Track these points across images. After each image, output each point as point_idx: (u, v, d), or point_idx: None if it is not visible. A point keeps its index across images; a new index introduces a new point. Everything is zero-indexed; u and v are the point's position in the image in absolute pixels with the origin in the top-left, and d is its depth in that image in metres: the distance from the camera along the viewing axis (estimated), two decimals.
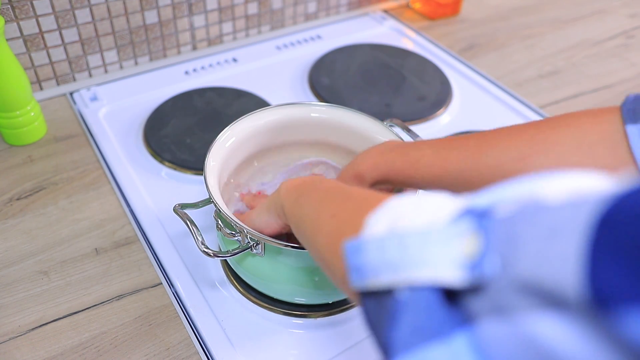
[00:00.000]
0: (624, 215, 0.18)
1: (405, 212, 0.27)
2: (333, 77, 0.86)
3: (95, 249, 0.60)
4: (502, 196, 0.24)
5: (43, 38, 0.77)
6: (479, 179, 0.44)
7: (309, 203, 0.39)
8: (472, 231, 0.23)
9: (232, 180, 0.59)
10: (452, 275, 0.23)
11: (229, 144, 0.55)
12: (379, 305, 0.26)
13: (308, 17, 1.00)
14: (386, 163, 0.49)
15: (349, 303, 0.55)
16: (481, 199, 0.25)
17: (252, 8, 0.92)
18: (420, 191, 0.50)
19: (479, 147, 0.45)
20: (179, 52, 0.90)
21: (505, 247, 0.21)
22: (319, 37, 0.97)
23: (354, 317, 0.55)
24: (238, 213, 0.55)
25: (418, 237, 0.24)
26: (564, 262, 0.19)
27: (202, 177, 0.50)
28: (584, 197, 0.20)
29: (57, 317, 0.54)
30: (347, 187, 0.39)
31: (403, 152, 0.49)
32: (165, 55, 0.89)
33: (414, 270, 0.24)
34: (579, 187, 0.21)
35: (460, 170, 0.45)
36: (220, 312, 0.54)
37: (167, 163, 0.69)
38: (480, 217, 0.23)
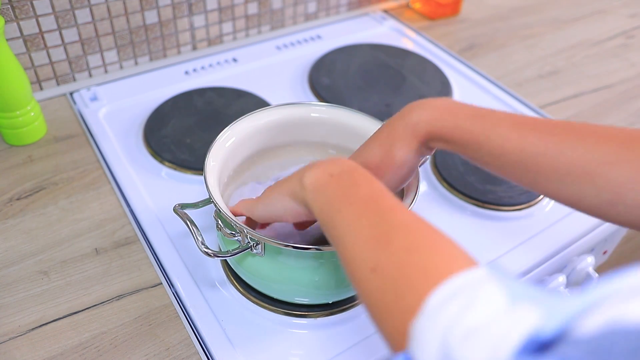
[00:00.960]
0: None
1: (456, 332, 0.25)
2: (333, 77, 0.86)
3: (95, 249, 0.60)
4: (576, 312, 0.22)
5: (43, 38, 0.77)
6: (552, 170, 0.40)
7: (342, 224, 0.36)
8: None
9: (232, 180, 0.59)
10: None
11: (229, 144, 0.55)
12: None
13: (308, 17, 1.00)
14: (455, 119, 0.43)
15: (349, 303, 0.55)
16: (549, 314, 0.23)
17: (252, 8, 0.92)
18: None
19: (565, 137, 0.40)
20: (179, 52, 0.90)
21: None
22: (319, 37, 0.97)
23: (355, 317, 0.55)
24: (242, 203, 0.52)
25: None
26: None
27: (202, 177, 0.50)
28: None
29: (57, 317, 0.54)
30: (381, 196, 0.36)
31: (478, 113, 0.42)
32: (165, 55, 0.89)
33: None
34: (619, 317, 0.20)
35: (536, 154, 0.40)
36: (220, 312, 0.54)
37: (167, 163, 0.69)
38: (553, 350, 0.22)
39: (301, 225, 0.54)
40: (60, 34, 0.78)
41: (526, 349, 0.22)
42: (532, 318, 0.23)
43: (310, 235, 0.55)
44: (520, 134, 0.41)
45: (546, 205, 0.68)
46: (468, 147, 0.43)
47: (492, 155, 0.42)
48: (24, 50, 0.76)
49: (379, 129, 0.49)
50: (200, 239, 0.48)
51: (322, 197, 0.39)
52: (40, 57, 0.78)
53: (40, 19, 0.75)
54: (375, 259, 0.32)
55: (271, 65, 0.89)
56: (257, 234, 0.47)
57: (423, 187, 0.69)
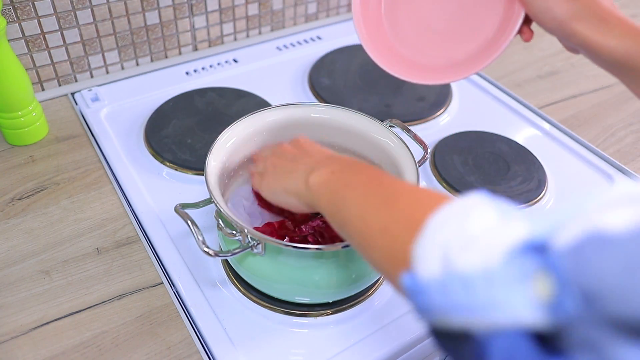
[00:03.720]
0: None
1: (454, 243, 0.27)
2: (333, 78, 0.86)
3: (97, 248, 0.60)
4: (558, 224, 0.24)
5: (44, 39, 0.77)
6: None
7: (350, 204, 0.39)
8: (538, 270, 0.24)
9: (232, 180, 0.59)
10: (533, 317, 0.23)
11: (229, 144, 0.55)
12: (458, 344, 0.27)
13: (308, 18, 1.00)
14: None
15: (349, 302, 0.56)
16: (534, 227, 0.26)
17: (253, 9, 0.92)
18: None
19: None
20: (180, 53, 0.90)
21: (581, 282, 0.22)
22: (319, 37, 0.97)
23: (355, 316, 0.55)
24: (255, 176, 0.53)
25: (482, 280, 0.25)
26: None
27: (203, 177, 0.50)
28: None
29: (58, 317, 0.54)
30: (383, 177, 0.39)
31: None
32: (166, 56, 0.89)
33: (488, 313, 0.25)
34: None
35: None
36: (221, 311, 0.54)
37: (168, 163, 0.69)
38: (540, 252, 0.24)
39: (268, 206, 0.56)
40: (62, 34, 0.78)
41: (515, 251, 0.25)
42: (520, 227, 0.26)
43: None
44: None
45: (545, 205, 0.68)
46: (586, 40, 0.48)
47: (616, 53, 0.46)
48: (26, 50, 0.77)
49: None
50: (201, 238, 0.49)
51: (327, 192, 0.42)
52: (41, 58, 0.78)
53: (41, 19, 0.75)
54: (384, 220, 0.35)
55: (271, 66, 0.90)
56: (258, 233, 0.47)
57: (423, 186, 0.69)
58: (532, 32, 0.54)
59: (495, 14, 0.56)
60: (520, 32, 0.54)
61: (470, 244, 0.27)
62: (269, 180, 0.50)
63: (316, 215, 0.55)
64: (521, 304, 0.24)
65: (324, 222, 0.54)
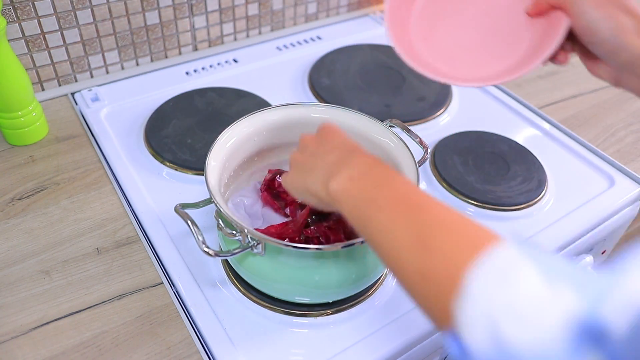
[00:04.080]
0: None
1: (502, 315, 0.27)
2: (333, 78, 0.86)
3: (97, 248, 0.60)
4: (604, 294, 0.24)
5: (44, 39, 0.77)
6: None
7: (378, 226, 0.37)
8: (593, 354, 0.23)
9: (232, 180, 0.59)
10: None
11: (229, 144, 0.55)
12: None
13: (308, 18, 1.00)
14: None
15: (349, 302, 0.56)
16: (583, 297, 0.25)
17: (253, 9, 0.92)
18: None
19: None
20: (179, 53, 0.90)
21: None
22: (319, 37, 0.97)
23: (355, 316, 0.55)
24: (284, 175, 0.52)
25: (534, 358, 0.25)
26: None
27: (203, 177, 0.50)
28: None
29: (58, 317, 0.54)
30: (408, 193, 0.38)
31: None
32: (166, 56, 0.89)
33: None
34: None
35: None
36: (221, 311, 0.54)
37: (168, 163, 0.69)
38: (599, 340, 0.24)
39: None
40: (62, 34, 0.78)
41: (572, 333, 0.24)
42: (568, 298, 0.26)
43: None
44: None
45: (545, 205, 0.68)
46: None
47: None
48: (26, 50, 0.77)
49: None
50: (201, 238, 0.49)
51: (349, 203, 0.41)
52: (41, 58, 0.78)
53: (41, 19, 0.75)
54: (420, 263, 0.34)
55: (271, 66, 0.90)
56: (258, 233, 0.47)
57: (422, 187, 0.70)
58: (567, 55, 0.53)
59: (533, 29, 0.54)
60: (554, 56, 0.52)
61: (520, 317, 0.26)
62: (292, 177, 0.48)
63: (318, 218, 0.55)
64: None
65: (330, 227, 0.54)
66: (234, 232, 0.48)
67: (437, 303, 0.32)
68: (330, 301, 0.55)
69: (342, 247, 0.47)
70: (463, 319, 0.29)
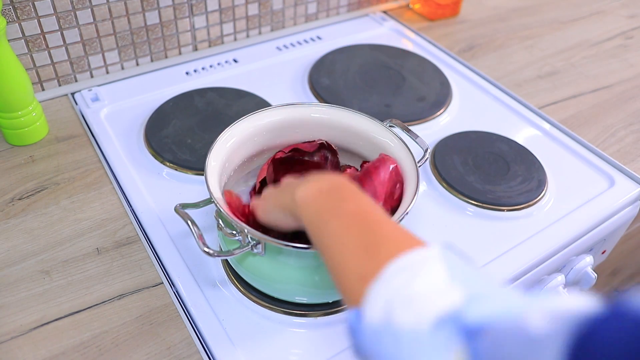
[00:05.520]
0: (598, 344, 0.22)
1: (397, 298, 0.31)
2: (333, 78, 0.86)
3: (97, 248, 0.60)
4: (491, 313, 0.27)
5: (44, 39, 0.77)
6: None
7: (331, 232, 0.39)
8: (459, 347, 0.27)
9: (232, 180, 0.59)
10: None
11: (229, 144, 0.55)
12: None
13: (308, 18, 1.00)
14: None
15: None
16: (470, 296, 0.29)
17: (253, 9, 0.92)
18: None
19: None
20: (180, 53, 0.90)
21: None
22: (319, 37, 0.97)
23: None
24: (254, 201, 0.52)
25: (410, 339, 0.29)
26: None
27: (203, 177, 0.50)
28: (562, 325, 0.23)
29: (58, 317, 0.54)
30: (370, 211, 0.39)
31: None
32: (166, 56, 0.89)
33: None
34: (559, 309, 0.25)
35: None
36: (221, 311, 0.54)
37: (168, 163, 0.69)
38: (469, 335, 0.27)
39: None
40: (62, 34, 0.78)
41: (445, 320, 0.28)
42: (457, 295, 0.29)
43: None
44: None
45: (545, 205, 0.68)
46: None
47: None
48: (26, 50, 0.77)
49: None
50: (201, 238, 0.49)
51: (311, 210, 0.42)
52: (41, 58, 0.78)
53: (41, 19, 0.75)
54: (361, 268, 0.35)
55: (271, 66, 0.90)
56: (258, 233, 0.47)
57: (422, 187, 0.70)
58: None
59: None
60: None
61: (410, 302, 0.30)
62: (264, 201, 0.49)
63: None
64: None
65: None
66: (234, 232, 0.48)
67: (358, 289, 0.34)
68: (330, 301, 0.55)
69: None
70: (369, 298, 0.32)
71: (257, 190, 0.58)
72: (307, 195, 0.42)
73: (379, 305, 0.31)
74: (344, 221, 0.39)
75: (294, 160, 0.59)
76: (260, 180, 0.58)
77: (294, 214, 0.44)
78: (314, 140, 0.59)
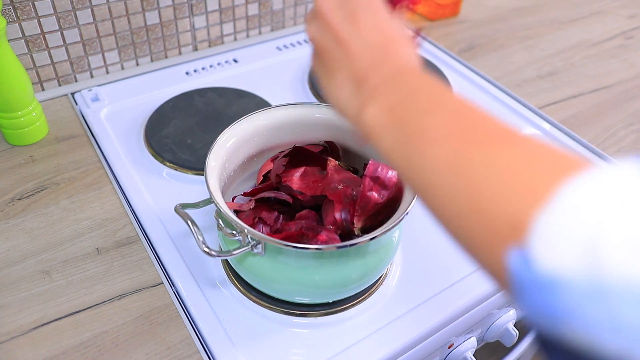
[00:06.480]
0: None
1: (613, 236, 0.19)
2: None
3: (97, 248, 0.60)
4: None
5: (44, 39, 0.77)
6: None
7: (431, 161, 0.29)
8: None
9: (232, 180, 0.59)
10: None
11: (229, 144, 0.55)
12: None
13: None
14: None
15: (349, 302, 0.56)
16: None
17: (253, 9, 0.93)
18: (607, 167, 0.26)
19: None
20: (180, 53, 0.90)
21: None
22: None
23: (354, 316, 0.55)
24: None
25: None
26: None
27: (203, 177, 0.50)
28: None
29: (58, 317, 0.54)
30: (469, 114, 0.30)
31: None
32: (166, 56, 0.89)
33: None
34: None
35: None
36: (221, 311, 0.54)
37: (168, 163, 0.69)
38: None
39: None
40: (62, 34, 0.78)
41: None
42: None
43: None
44: None
45: None
46: None
47: None
48: (26, 50, 0.77)
49: None
50: (201, 238, 0.49)
51: (389, 140, 0.32)
52: (41, 58, 0.78)
53: (41, 19, 0.75)
54: (488, 191, 0.26)
55: (272, 66, 0.90)
56: (258, 233, 0.47)
57: None
58: None
59: None
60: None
61: (635, 246, 0.19)
62: (319, 73, 0.39)
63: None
64: None
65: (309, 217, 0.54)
66: (234, 232, 0.48)
67: (502, 219, 0.24)
68: (330, 301, 0.55)
69: (342, 247, 0.47)
70: (545, 231, 0.21)
71: (258, 184, 0.59)
72: (379, 122, 0.33)
73: (575, 244, 0.20)
74: (448, 148, 0.28)
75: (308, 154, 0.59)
76: (262, 174, 0.58)
77: (360, 132, 0.36)
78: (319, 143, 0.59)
